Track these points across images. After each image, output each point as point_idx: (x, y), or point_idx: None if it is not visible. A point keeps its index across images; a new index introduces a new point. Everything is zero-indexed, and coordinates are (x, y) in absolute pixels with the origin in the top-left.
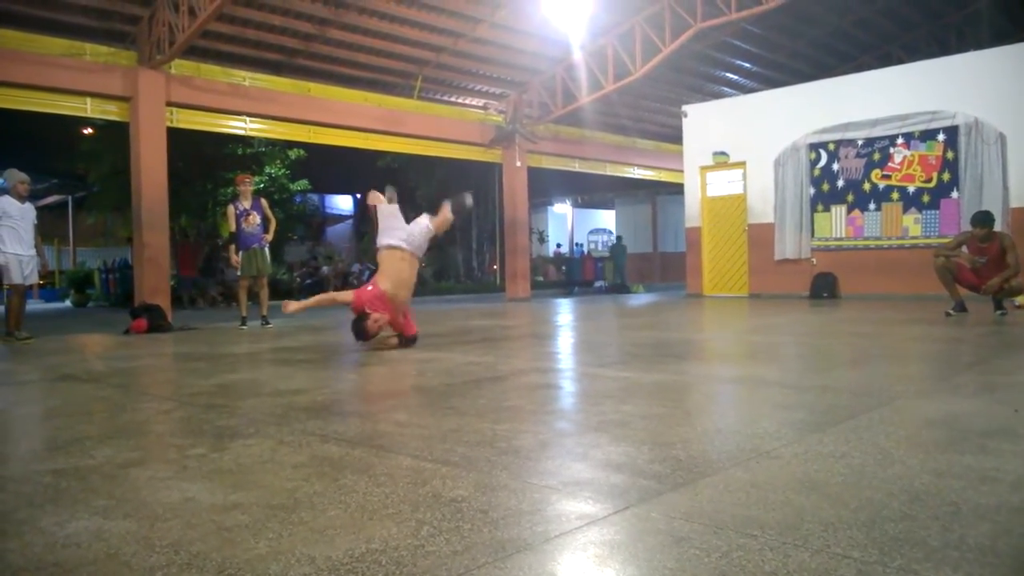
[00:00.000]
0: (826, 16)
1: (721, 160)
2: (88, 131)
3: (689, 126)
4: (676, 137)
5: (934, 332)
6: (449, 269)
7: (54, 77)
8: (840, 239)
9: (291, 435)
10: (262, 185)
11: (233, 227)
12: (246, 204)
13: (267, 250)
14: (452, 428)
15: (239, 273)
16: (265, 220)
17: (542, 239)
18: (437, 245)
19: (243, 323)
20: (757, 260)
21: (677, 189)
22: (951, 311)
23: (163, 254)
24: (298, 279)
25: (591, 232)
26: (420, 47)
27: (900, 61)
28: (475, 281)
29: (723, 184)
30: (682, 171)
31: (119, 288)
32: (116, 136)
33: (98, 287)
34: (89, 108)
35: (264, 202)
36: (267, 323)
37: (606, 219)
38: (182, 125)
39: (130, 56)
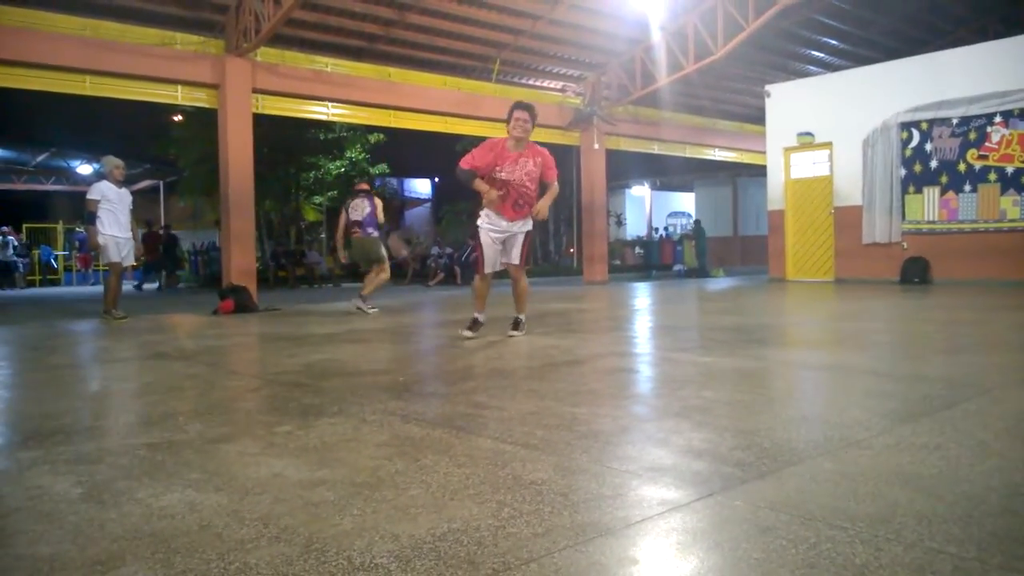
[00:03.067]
0: None
1: (806, 141)
2: (178, 118)
3: (772, 106)
4: (758, 118)
5: None
6: (529, 253)
7: (147, 66)
8: (933, 222)
9: (373, 415)
10: (343, 169)
11: (341, 229)
12: (360, 217)
13: (372, 238)
14: (531, 411)
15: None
16: (374, 208)
17: (620, 222)
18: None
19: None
20: (843, 244)
21: (759, 171)
22: None
23: (249, 237)
24: None
25: (670, 215)
26: (498, 30)
27: (998, 35)
28: (552, 264)
29: (808, 165)
30: (764, 152)
31: (207, 269)
32: (205, 122)
33: (187, 269)
34: (180, 95)
35: (378, 202)
36: (373, 308)
37: (685, 202)
38: (267, 111)
39: (218, 45)
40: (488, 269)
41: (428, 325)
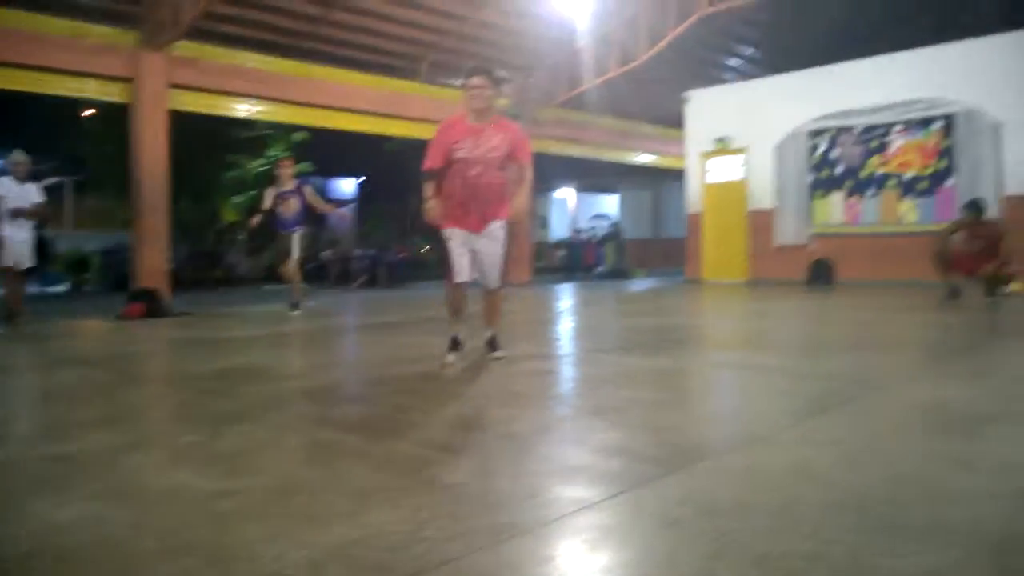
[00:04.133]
0: (830, 3)
1: (722, 146)
2: (89, 112)
3: (691, 112)
4: (680, 122)
5: (928, 318)
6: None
7: (55, 58)
8: (838, 225)
9: (288, 420)
10: (264, 168)
11: (267, 205)
12: (286, 187)
13: (296, 236)
14: (451, 413)
15: (279, 258)
16: (307, 208)
17: (544, 224)
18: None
19: (295, 307)
20: (756, 246)
21: (680, 175)
22: (945, 297)
23: (162, 237)
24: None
25: (593, 217)
26: (426, 30)
27: (899, 49)
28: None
29: (724, 170)
30: (683, 156)
31: (116, 271)
32: (118, 117)
33: (95, 270)
34: (91, 89)
35: (308, 189)
36: (294, 309)
37: (609, 204)
38: (184, 107)
39: (133, 37)
40: (460, 277)
41: (350, 328)
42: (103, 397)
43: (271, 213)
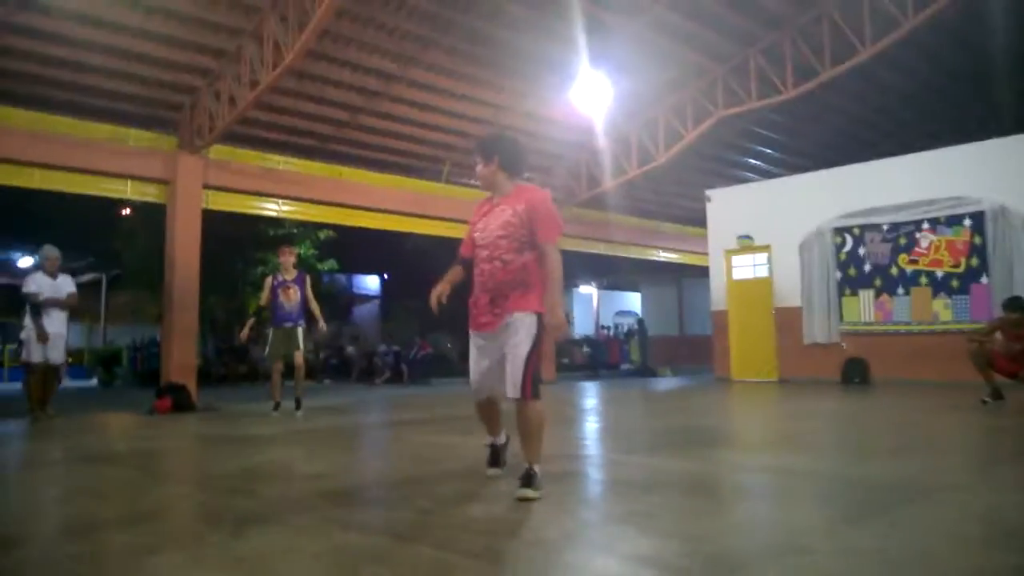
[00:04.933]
0: (846, 104)
1: (746, 244)
2: (126, 211)
3: (713, 210)
4: (701, 221)
5: (971, 420)
6: None
7: (98, 161)
8: (870, 323)
9: (312, 522)
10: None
11: (265, 300)
12: (287, 276)
13: (300, 330)
14: (476, 517)
15: (266, 353)
16: (305, 300)
17: (568, 321)
18: (460, 325)
19: (276, 408)
20: (786, 344)
21: (702, 272)
22: (987, 398)
23: (191, 333)
24: (323, 359)
25: (617, 314)
26: (448, 133)
27: (922, 148)
28: None
29: (748, 267)
30: (707, 254)
31: (145, 366)
32: (152, 215)
33: (125, 365)
34: (129, 190)
35: (308, 280)
36: (299, 408)
37: (632, 301)
38: (217, 207)
39: (171, 141)
40: (479, 396)
41: (373, 426)
42: (127, 495)
43: (268, 306)
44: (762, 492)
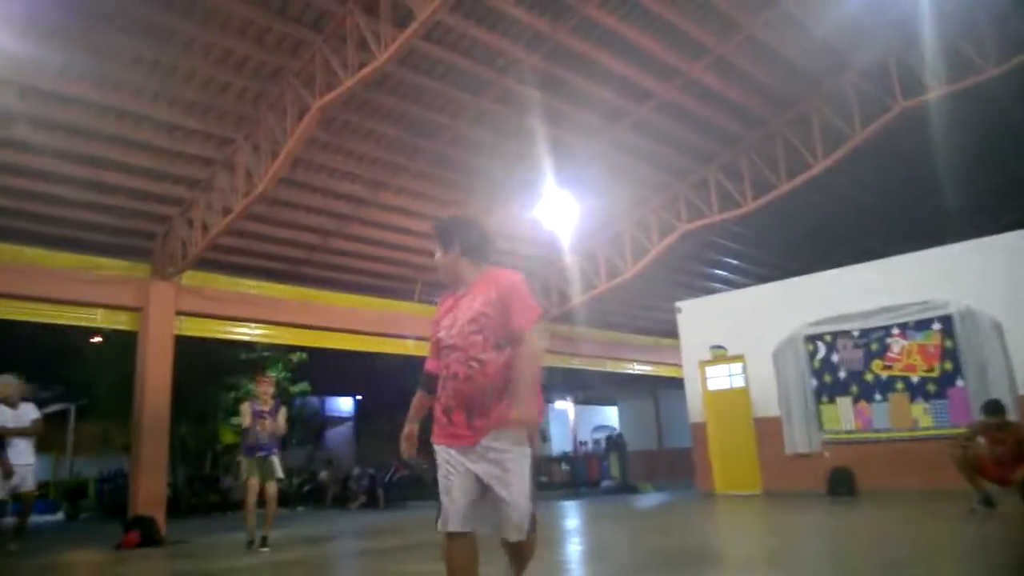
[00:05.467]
0: (805, 215)
1: (719, 354)
2: (96, 340)
3: (684, 321)
4: (673, 332)
5: (964, 530)
6: None
7: (67, 290)
8: (851, 431)
9: None
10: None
11: (248, 423)
12: (264, 407)
13: (275, 459)
14: None
15: (240, 480)
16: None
17: (544, 438)
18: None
19: (250, 544)
20: (767, 455)
21: (678, 384)
22: (976, 505)
23: (161, 463)
24: (296, 485)
25: (595, 429)
26: (419, 253)
27: (882, 254)
28: None
29: (724, 378)
30: (680, 365)
31: (112, 498)
32: (123, 343)
33: (92, 497)
34: (100, 319)
35: (284, 411)
36: (265, 545)
37: (609, 415)
38: (189, 332)
39: (143, 269)
40: (454, 524)
41: (349, 555)
42: None
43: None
44: None
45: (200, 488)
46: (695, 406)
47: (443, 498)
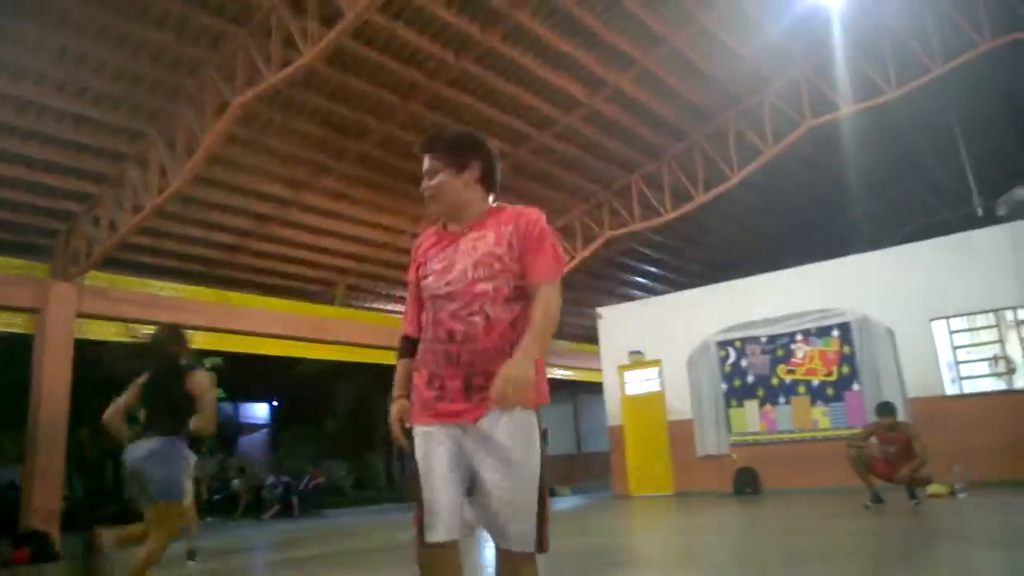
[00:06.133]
0: (722, 224)
1: (637, 359)
2: None
3: (605, 327)
4: (593, 338)
5: (858, 526)
6: (371, 478)
7: None
8: (756, 433)
9: None
10: None
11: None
12: None
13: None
14: None
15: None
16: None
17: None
18: (355, 452)
19: (192, 556)
20: (679, 457)
21: (598, 388)
22: (869, 503)
23: (56, 474)
24: (206, 494)
25: None
26: (342, 256)
27: (792, 264)
28: (397, 490)
29: (641, 382)
30: (600, 370)
31: (2, 512)
32: (17, 346)
33: None
34: None
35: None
36: (193, 559)
37: None
38: (92, 335)
39: (42, 268)
40: (442, 531)
41: (259, 568)
42: None
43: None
44: None
45: (100, 500)
46: (613, 410)
47: (426, 495)
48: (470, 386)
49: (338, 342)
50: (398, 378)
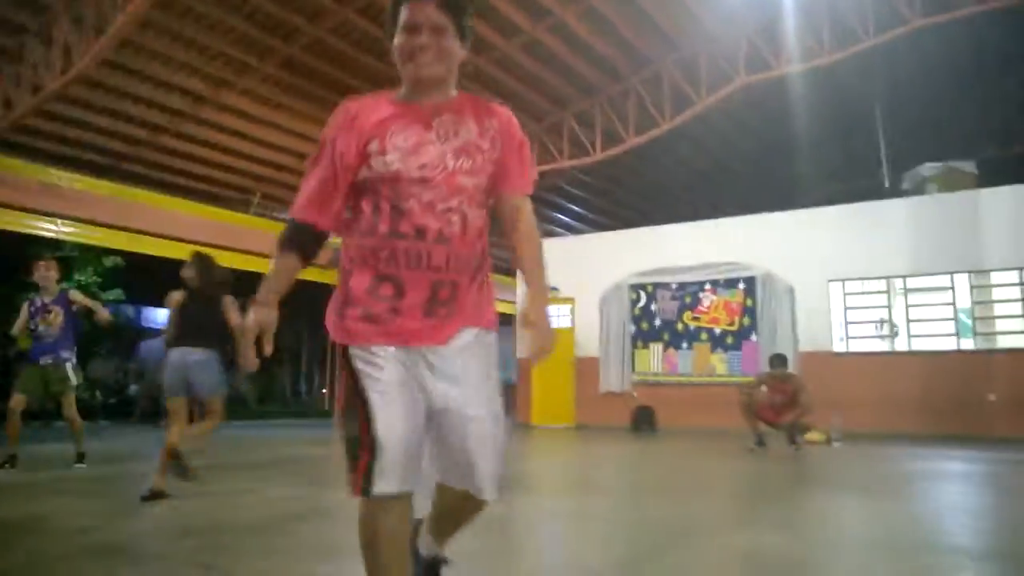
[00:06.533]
0: (647, 171)
1: (552, 295)
2: None
3: None
4: (510, 270)
5: (740, 466)
6: (274, 392)
7: None
8: (657, 374)
9: None
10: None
11: (19, 328)
12: (46, 297)
13: (69, 366)
14: (263, 569)
15: (14, 392)
16: (73, 326)
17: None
18: (262, 366)
19: (11, 462)
20: (583, 392)
21: (510, 320)
22: (753, 446)
23: None
24: (100, 397)
25: None
26: (260, 163)
27: (708, 216)
28: (302, 405)
29: (553, 318)
30: (515, 303)
31: None
32: None
33: None
34: None
35: (76, 295)
36: (82, 462)
37: None
38: None
39: None
40: (392, 481)
41: (150, 473)
42: None
43: (22, 335)
44: (555, 537)
45: None
46: (523, 342)
47: (381, 432)
48: (435, 298)
49: (250, 251)
50: (273, 276)
